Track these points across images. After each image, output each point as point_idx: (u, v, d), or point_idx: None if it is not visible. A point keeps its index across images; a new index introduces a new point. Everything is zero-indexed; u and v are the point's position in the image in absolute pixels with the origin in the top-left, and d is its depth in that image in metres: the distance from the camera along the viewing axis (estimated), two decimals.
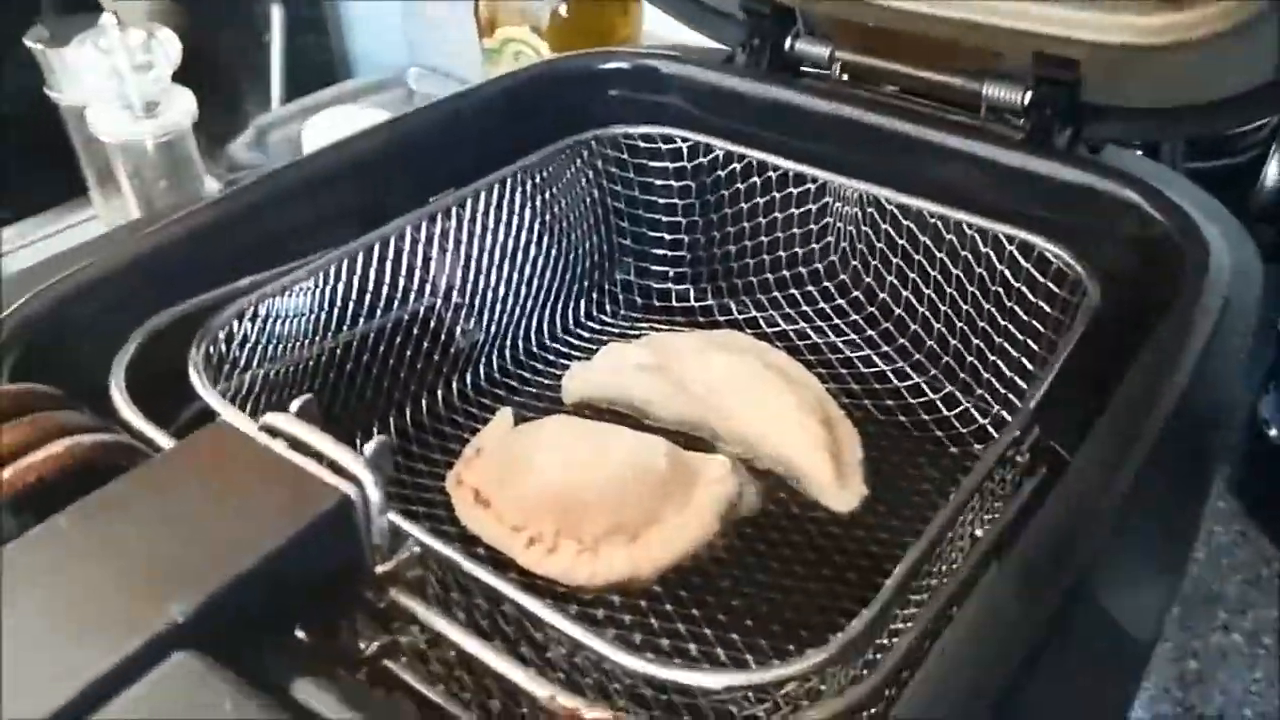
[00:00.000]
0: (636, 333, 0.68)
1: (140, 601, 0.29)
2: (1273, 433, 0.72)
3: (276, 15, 1.14)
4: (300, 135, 0.88)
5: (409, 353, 0.58)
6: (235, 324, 0.48)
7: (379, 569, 0.35)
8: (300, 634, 0.36)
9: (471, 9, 0.84)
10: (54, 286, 0.46)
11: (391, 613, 0.35)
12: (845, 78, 0.63)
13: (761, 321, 0.67)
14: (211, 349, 0.46)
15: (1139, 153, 0.65)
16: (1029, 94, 0.55)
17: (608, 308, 0.69)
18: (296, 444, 0.35)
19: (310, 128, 0.87)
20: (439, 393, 0.61)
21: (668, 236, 0.68)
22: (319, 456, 0.34)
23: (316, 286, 0.52)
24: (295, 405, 0.36)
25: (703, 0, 0.66)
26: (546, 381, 0.64)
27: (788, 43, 0.63)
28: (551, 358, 0.66)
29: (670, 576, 0.52)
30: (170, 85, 0.85)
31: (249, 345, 0.48)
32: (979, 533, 0.44)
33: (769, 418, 0.58)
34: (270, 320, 0.49)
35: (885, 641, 0.39)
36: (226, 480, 0.34)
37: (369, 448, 0.35)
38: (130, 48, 0.80)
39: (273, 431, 0.35)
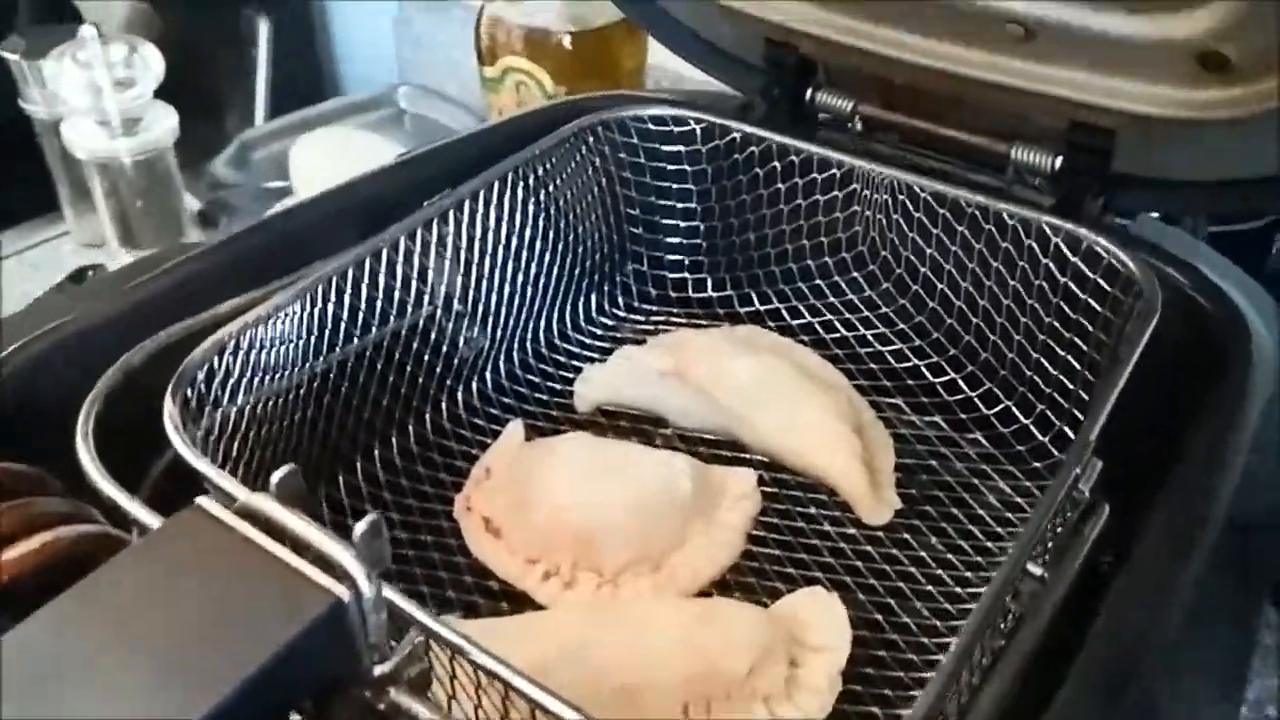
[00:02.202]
0: (651, 327, 0.64)
1: None
2: None
3: (263, 29, 1.09)
4: (287, 154, 0.84)
5: (409, 366, 0.54)
6: (215, 360, 0.44)
7: (377, 670, 0.31)
8: None
9: (464, 28, 0.80)
10: (29, 345, 0.42)
11: (392, 713, 0.32)
12: (864, 130, 0.59)
13: (785, 313, 0.63)
14: (189, 393, 0.42)
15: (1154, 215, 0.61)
16: (1059, 159, 0.52)
17: (620, 301, 0.65)
18: (278, 530, 0.31)
19: (300, 147, 0.83)
20: (443, 406, 0.57)
21: (682, 224, 0.63)
22: (304, 545, 0.31)
23: (304, 309, 0.47)
24: (275, 479, 0.32)
25: (723, 49, 0.61)
26: (558, 386, 0.60)
27: (808, 94, 0.59)
28: (562, 359, 0.62)
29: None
30: (152, 101, 0.81)
31: (231, 381, 0.45)
32: (1038, 570, 0.41)
33: (798, 426, 0.54)
34: (254, 351, 0.45)
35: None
36: (207, 579, 0.31)
37: (359, 530, 0.31)
38: (111, 62, 0.76)
39: (253, 516, 0.32)
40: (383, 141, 0.85)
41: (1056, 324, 0.52)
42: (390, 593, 0.33)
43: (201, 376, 0.44)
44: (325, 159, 0.73)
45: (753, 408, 0.55)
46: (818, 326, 0.61)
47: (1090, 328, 0.51)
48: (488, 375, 0.59)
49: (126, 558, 0.31)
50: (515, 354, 0.60)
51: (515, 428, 0.55)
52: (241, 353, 0.45)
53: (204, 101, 1.04)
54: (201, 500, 0.32)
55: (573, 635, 0.45)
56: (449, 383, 0.57)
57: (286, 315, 0.47)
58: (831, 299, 0.61)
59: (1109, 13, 0.47)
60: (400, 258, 0.51)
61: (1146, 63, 0.47)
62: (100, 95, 0.76)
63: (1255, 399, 0.42)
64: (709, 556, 0.50)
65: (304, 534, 0.31)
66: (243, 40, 1.09)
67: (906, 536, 0.52)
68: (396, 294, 0.52)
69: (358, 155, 0.78)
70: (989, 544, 0.51)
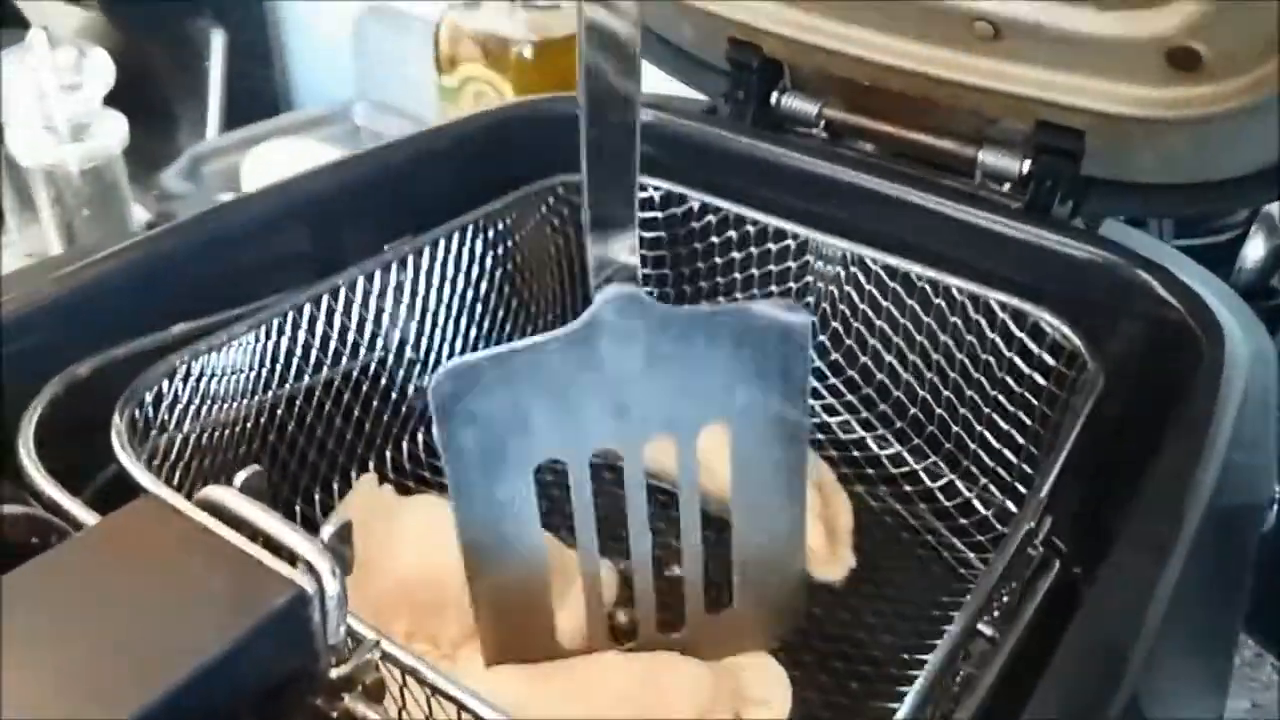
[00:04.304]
0: None
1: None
2: None
3: (217, 40, 1.08)
4: (239, 167, 0.83)
5: (355, 411, 0.53)
6: (165, 384, 0.43)
7: (334, 673, 0.30)
8: None
9: (423, 42, 0.80)
10: None
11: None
12: (829, 135, 0.60)
13: None
14: (137, 413, 0.40)
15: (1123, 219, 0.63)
16: (1028, 163, 0.53)
17: None
18: (239, 524, 0.30)
19: (251, 159, 0.82)
20: (388, 455, 0.56)
21: None
22: (268, 540, 0.30)
23: (258, 341, 0.46)
24: (240, 478, 0.31)
25: (686, 49, 0.63)
26: None
27: (774, 97, 0.60)
28: None
29: None
30: (100, 108, 0.79)
31: (179, 406, 0.43)
32: (989, 630, 0.41)
33: None
34: (203, 378, 0.44)
35: None
36: (159, 567, 0.29)
37: (327, 530, 0.30)
38: (58, 66, 0.74)
39: (213, 509, 0.30)
40: (337, 155, 0.84)
41: (1002, 397, 0.53)
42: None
43: (150, 399, 0.42)
44: (277, 172, 0.71)
45: (711, 457, 0.55)
46: None
47: (1034, 401, 0.52)
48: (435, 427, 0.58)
49: (70, 543, 0.30)
50: None
51: (367, 480, 0.53)
52: (192, 379, 0.44)
53: (155, 113, 1.03)
54: (151, 494, 0.31)
55: (510, 690, 0.44)
56: (395, 433, 0.56)
57: (239, 345, 0.46)
58: None
59: (1079, 10, 0.46)
60: (357, 298, 0.51)
61: (1116, 61, 0.47)
62: (46, 100, 0.74)
63: (1231, 400, 0.42)
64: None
65: (268, 526, 0.29)
66: (196, 52, 1.08)
67: (855, 603, 0.52)
68: (350, 335, 0.51)
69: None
70: (935, 613, 0.51)
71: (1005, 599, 0.43)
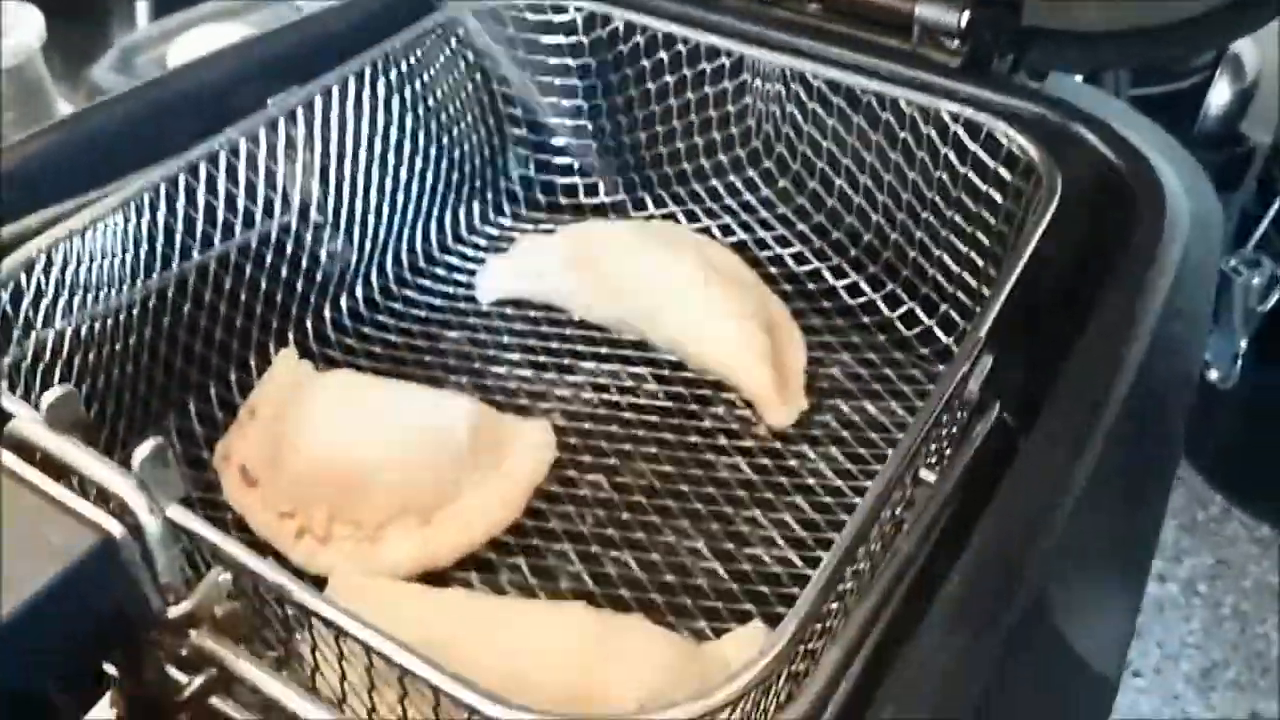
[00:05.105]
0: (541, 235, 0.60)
1: None
2: (1212, 374, 0.66)
3: None
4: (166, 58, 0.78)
5: (263, 284, 0.50)
6: (23, 277, 0.39)
7: (173, 611, 0.28)
8: (110, 669, 0.29)
9: None
10: None
11: (196, 658, 0.28)
12: None
13: (680, 217, 0.59)
14: None
15: (1078, 78, 0.58)
16: (967, 14, 0.48)
17: (506, 209, 0.61)
18: (48, 461, 0.27)
19: (178, 47, 0.76)
20: (309, 325, 0.53)
21: (568, 122, 0.59)
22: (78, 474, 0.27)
23: (129, 220, 0.43)
24: (45, 402, 0.28)
25: None
26: (436, 302, 0.56)
27: None
28: (442, 272, 0.57)
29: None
30: (15, 2, 0.74)
31: (44, 301, 0.40)
32: (930, 476, 0.38)
33: (704, 321, 0.52)
34: (70, 267, 0.41)
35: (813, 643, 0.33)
36: None
37: (139, 456, 0.27)
38: None
39: (20, 446, 0.28)
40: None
41: (959, 217, 0.49)
42: (198, 524, 0.29)
43: (7, 296, 0.39)
44: None
45: (660, 302, 0.52)
46: (715, 230, 0.58)
47: (993, 221, 0.47)
48: (358, 290, 0.55)
49: None
50: (390, 267, 0.56)
51: (286, 356, 0.50)
52: (55, 270, 0.41)
53: (82, 4, 0.96)
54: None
55: (440, 626, 0.40)
56: (314, 299, 0.53)
57: (107, 227, 0.42)
58: (728, 200, 0.57)
59: None
60: (242, 162, 0.47)
61: None
62: None
63: (1167, 259, 0.39)
64: (484, 510, 0.46)
65: (75, 462, 0.27)
66: None
67: (805, 448, 0.49)
68: (241, 202, 0.47)
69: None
70: (888, 450, 0.49)
71: (945, 445, 0.40)
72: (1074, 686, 0.33)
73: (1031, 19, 0.49)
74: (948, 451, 0.41)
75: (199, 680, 0.29)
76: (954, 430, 0.40)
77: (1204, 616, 0.56)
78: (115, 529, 0.25)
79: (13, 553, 0.25)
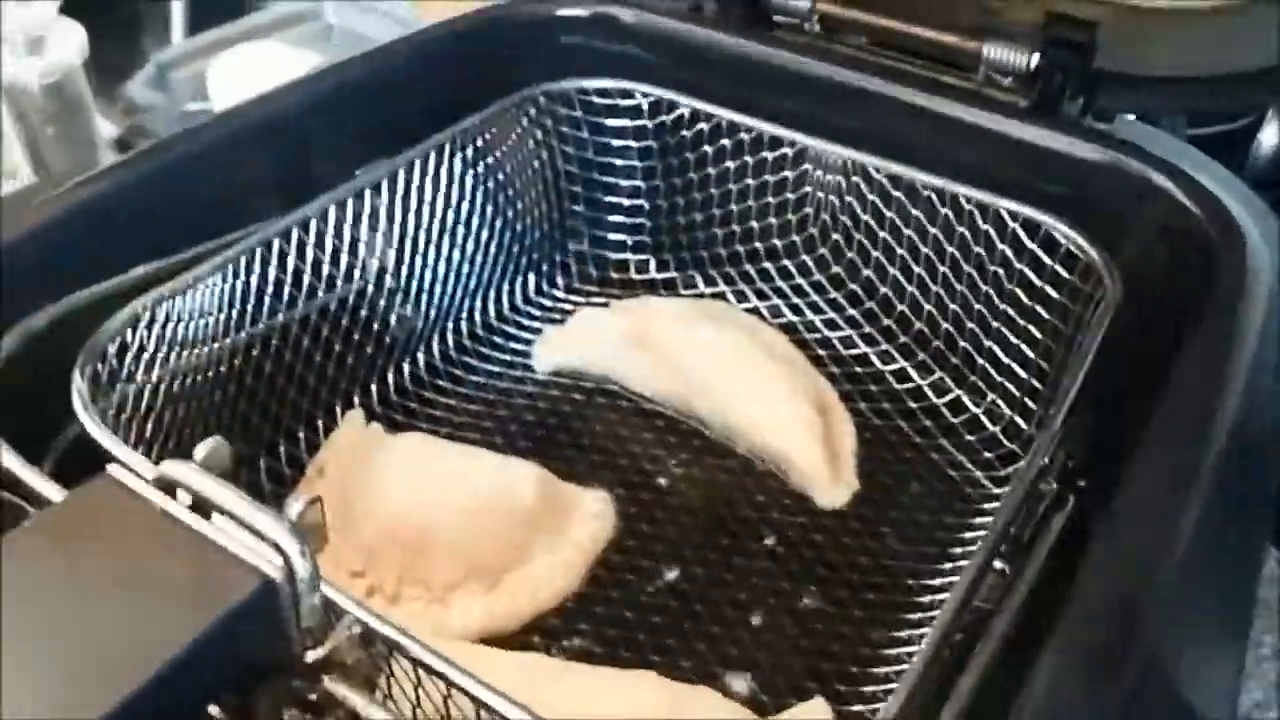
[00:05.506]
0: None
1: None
2: None
3: None
4: (205, 74, 0.79)
5: (337, 345, 0.51)
6: (128, 333, 0.40)
7: (310, 656, 0.28)
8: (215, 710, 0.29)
9: None
10: None
11: (325, 703, 0.29)
12: (823, 31, 0.56)
13: (731, 297, 0.61)
14: (99, 366, 0.38)
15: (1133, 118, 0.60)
16: (1036, 57, 0.50)
17: (560, 281, 0.62)
18: (201, 503, 0.28)
19: (217, 67, 0.78)
20: (373, 388, 0.54)
21: (626, 203, 0.61)
22: (234, 518, 0.28)
23: (225, 281, 0.44)
24: (201, 451, 0.29)
25: None
26: (494, 369, 0.57)
27: None
28: (499, 340, 0.59)
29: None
30: (57, 17, 0.75)
31: (144, 355, 0.41)
32: (999, 565, 0.39)
33: (759, 399, 0.53)
34: (169, 324, 0.42)
35: None
36: (121, 556, 0.27)
37: (294, 509, 0.28)
38: None
39: (171, 487, 0.28)
40: (309, 56, 0.80)
41: (1011, 310, 0.51)
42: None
43: (113, 350, 0.40)
44: (247, 77, 0.67)
45: (714, 380, 0.53)
46: (764, 311, 0.60)
47: (1045, 314, 0.49)
48: (420, 356, 0.56)
49: (29, 529, 0.28)
50: (450, 335, 0.57)
51: (354, 418, 0.51)
52: (157, 326, 0.42)
53: (117, 20, 0.97)
54: (113, 468, 0.29)
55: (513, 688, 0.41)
56: (380, 364, 0.54)
57: (206, 287, 0.44)
58: (779, 283, 0.59)
59: None
60: (330, 229, 0.48)
61: None
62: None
63: (1253, 317, 0.40)
64: (550, 578, 0.46)
65: (232, 507, 0.28)
66: None
67: (859, 528, 0.50)
68: (325, 267, 0.49)
69: (282, 72, 0.72)
70: (940, 534, 0.50)
71: (1016, 533, 0.42)
72: None
73: (1101, 63, 0.49)
74: (1018, 537, 0.42)
75: None
76: (1027, 520, 0.42)
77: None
78: (275, 572, 0.26)
79: (177, 594, 0.26)
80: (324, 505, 0.44)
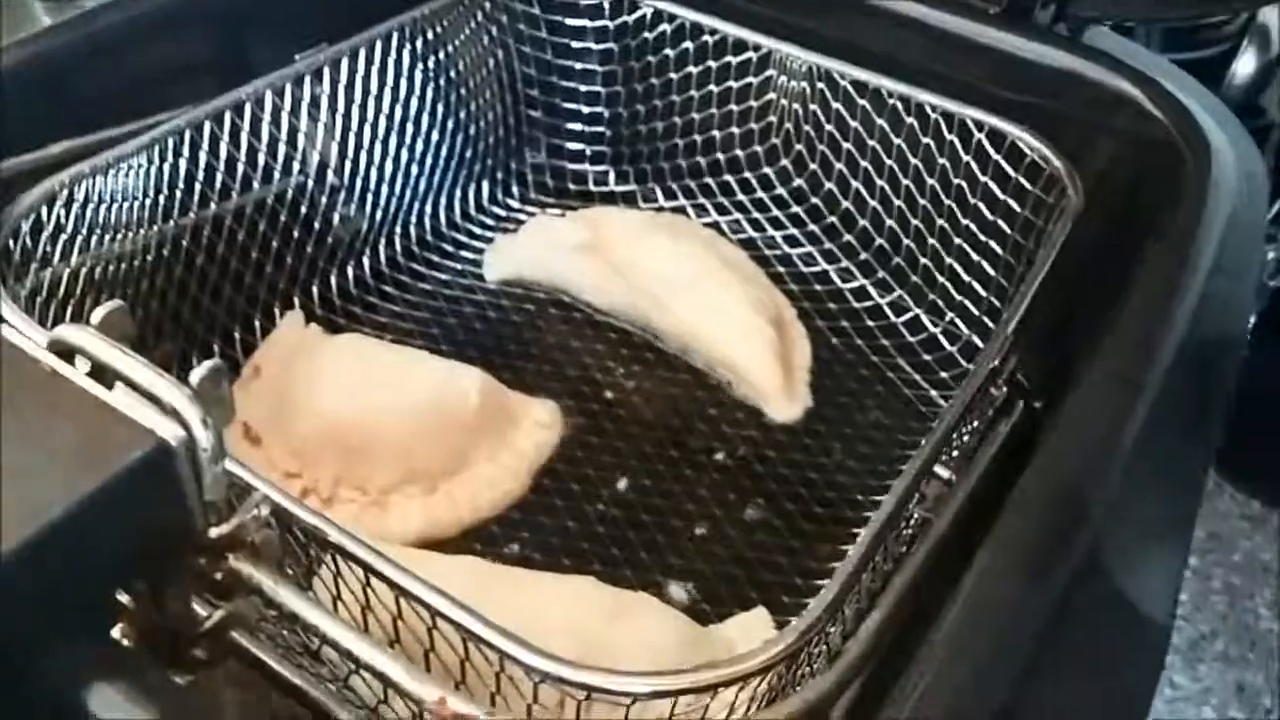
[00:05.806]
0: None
1: None
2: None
3: None
4: None
5: (275, 244, 0.49)
6: (44, 210, 0.38)
7: (213, 532, 0.27)
8: (124, 598, 0.28)
9: None
10: None
11: (230, 583, 0.28)
12: None
13: (690, 211, 0.59)
14: (12, 243, 0.36)
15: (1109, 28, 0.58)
16: None
17: (515, 191, 0.60)
18: (100, 368, 0.26)
19: None
20: (314, 290, 0.52)
21: (586, 109, 0.59)
22: (131, 385, 0.26)
23: (152, 163, 0.42)
24: (98, 315, 0.27)
25: None
26: (443, 277, 0.55)
27: None
28: (449, 248, 0.57)
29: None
30: None
31: (63, 236, 0.39)
32: (945, 473, 0.38)
33: (713, 311, 0.52)
34: (90, 205, 0.40)
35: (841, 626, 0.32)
36: (7, 420, 0.25)
37: (197, 374, 0.26)
38: None
39: (67, 351, 0.27)
40: None
41: (974, 226, 0.50)
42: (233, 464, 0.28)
43: (27, 227, 0.38)
44: None
45: (669, 292, 0.52)
46: (724, 226, 0.58)
47: (1008, 230, 0.48)
48: (365, 260, 0.54)
49: None
50: (398, 239, 0.55)
51: (293, 318, 0.49)
52: (76, 205, 0.40)
53: None
54: (6, 331, 0.27)
55: (449, 589, 0.40)
56: (321, 264, 0.52)
57: (131, 168, 0.41)
58: (740, 197, 0.58)
59: None
60: (266, 115, 0.46)
61: None
62: None
63: (1215, 224, 0.39)
64: (491, 484, 0.45)
65: (130, 372, 0.26)
66: None
67: (810, 443, 0.49)
68: (261, 157, 0.47)
69: None
70: (895, 452, 0.49)
71: (965, 439, 0.41)
72: (1128, 629, 0.33)
73: None
74: (966, 445, 0.41)
75: (221, 612, 0.28)
76: (975, 426, 0.41)
77: (1194, 589, 0.57)
78: (171, 436, 0.25)
79: (65, 454, 0.24)
80: (248, 395, 0.43)
